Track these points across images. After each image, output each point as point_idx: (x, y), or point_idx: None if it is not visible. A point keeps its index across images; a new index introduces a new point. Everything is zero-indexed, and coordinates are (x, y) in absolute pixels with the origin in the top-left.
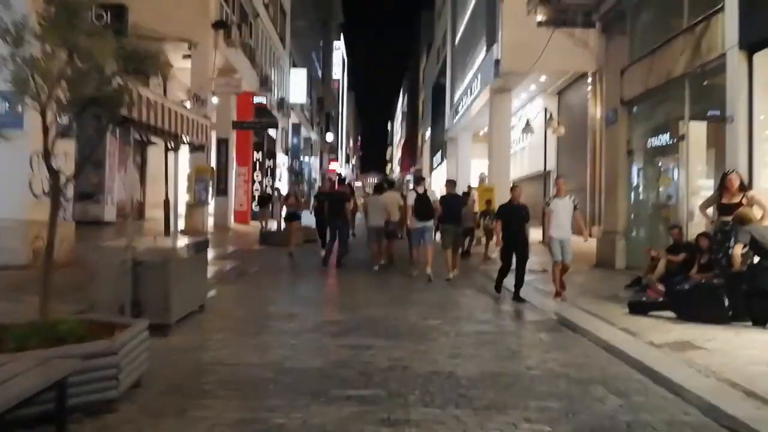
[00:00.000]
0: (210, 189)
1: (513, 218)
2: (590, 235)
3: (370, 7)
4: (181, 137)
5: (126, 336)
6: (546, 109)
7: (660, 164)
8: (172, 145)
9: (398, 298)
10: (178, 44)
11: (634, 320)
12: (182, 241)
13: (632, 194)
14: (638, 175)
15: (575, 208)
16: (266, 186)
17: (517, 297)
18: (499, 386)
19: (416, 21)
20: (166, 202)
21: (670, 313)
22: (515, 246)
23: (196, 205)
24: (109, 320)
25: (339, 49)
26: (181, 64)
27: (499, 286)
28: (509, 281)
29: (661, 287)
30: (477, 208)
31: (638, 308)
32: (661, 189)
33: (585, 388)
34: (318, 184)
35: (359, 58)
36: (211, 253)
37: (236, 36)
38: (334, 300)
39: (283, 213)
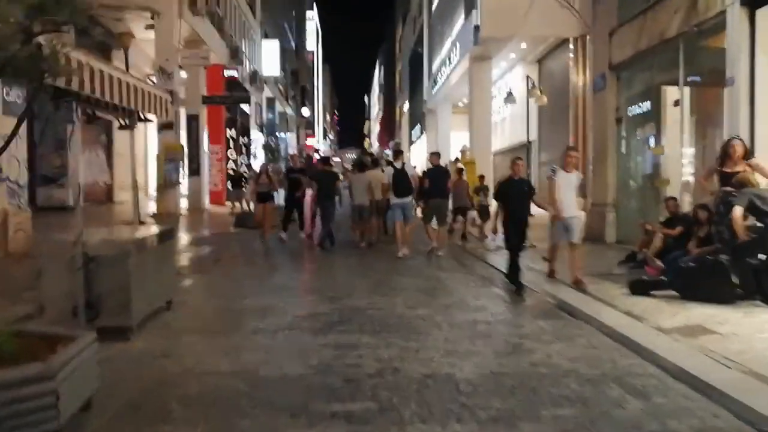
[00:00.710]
0: (181, 169)
1: (515, 195)
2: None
3: None
4: (138, 113)
5: (68, 354)
6: (528, 78)
7: (650, 132)
8: (126, 122)
9: (382, 283)
10: (140, 14)
11: (635, 301)
12: (144, 230)
13: (621, 164)
14: (627, 144)
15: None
16: (240, 164)
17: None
18: (503, 391)
19: None
20: (134, 183)
21: (671, 292)
22: (519, 226)
23: (167, 186)
24: (52, 332)
25: (312, 19)
26: (145, 35)
27: (515, 277)
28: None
29: (659, 263)
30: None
31: (639, 288)
32: (652, 158)
33: (599, 389)
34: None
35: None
36: (182, 239)
37: (202, 4)
38: (314, 288)
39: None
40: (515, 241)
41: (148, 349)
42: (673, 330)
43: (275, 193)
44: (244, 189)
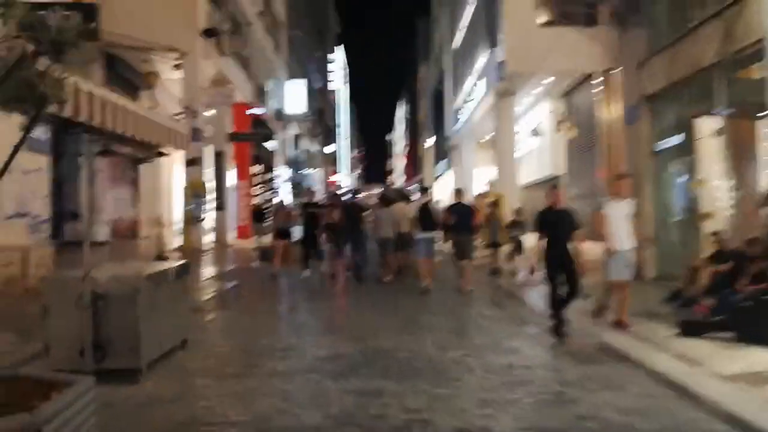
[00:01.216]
0: (205, 204)
1: (556, 225)
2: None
3: (368, 17)
4: (154, 148)
5: (61, 402)
6: (556, 110)
7: (685, 165)
8: (140, 156)
9: (410, 322)
10: (167, 54)
11: (687, 344)
12: (156, 266)
13: (658, 198)
14: (663, 177)
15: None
16: (265, 199)
17: (558, 326)
18: None
19: (413, 29)
20: (158, 219)
21: (726, 334)
22: (562, 263)
23: (191, 221)
24: (50, 376)
25: (335, 61)
26: (172, 75)
27: (559, 325)
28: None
29: (709, 302)
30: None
31: (692, 329)
32: (694, 191)
33: None
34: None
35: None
36: (204, 274)
37: (228, 45)
38: (337, 327)
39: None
40: (560, 287)
41: (156, 393)
42: (735, 377)
43: (291, 230)
44: (263, 224)
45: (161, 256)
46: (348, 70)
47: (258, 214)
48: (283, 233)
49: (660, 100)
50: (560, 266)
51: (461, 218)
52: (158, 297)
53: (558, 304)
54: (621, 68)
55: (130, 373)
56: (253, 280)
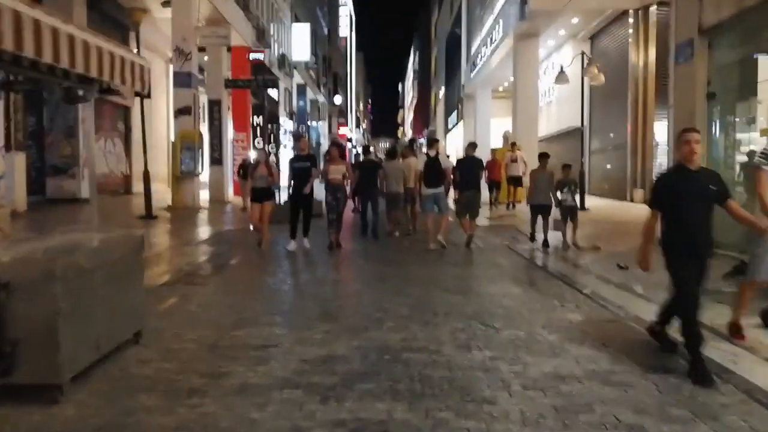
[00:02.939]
0: (200, 158)
1: (691, 197)
2: (632, 200)
3: None
4: (96, 82)
5: None
6: (583, 53)
7: (750, 110)
8: (78, 93)
9: (421, 304)
10: None
11: None
12: (94, 239)
13: (713, 149)
14: (720, 125)
15: None
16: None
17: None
18: None
19: None
20: (145, 174)
21: None
22: (694, 244)
23: (183, 176)
24: None
25: (345, 4)
26: (165, 15)
27: (694, 342)
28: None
29: None
30: (505, 171)
31: None
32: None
33: None
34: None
35: (367, 15)
36: (188, 237)
37: None
38: (332, 313)
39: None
40: (692, 280)
41: (78, 421)
42: None
43: (276, 189)
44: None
45: (153, 215)
46: (355, 16)
47: (244, 168)
48: (261, 194)
49: (721, 34)
50: (692, 248)
51: (467, 173)
52: (93, 282)
53: (691, 311)
54: None
55: (47, 391)
56: (241, 246)
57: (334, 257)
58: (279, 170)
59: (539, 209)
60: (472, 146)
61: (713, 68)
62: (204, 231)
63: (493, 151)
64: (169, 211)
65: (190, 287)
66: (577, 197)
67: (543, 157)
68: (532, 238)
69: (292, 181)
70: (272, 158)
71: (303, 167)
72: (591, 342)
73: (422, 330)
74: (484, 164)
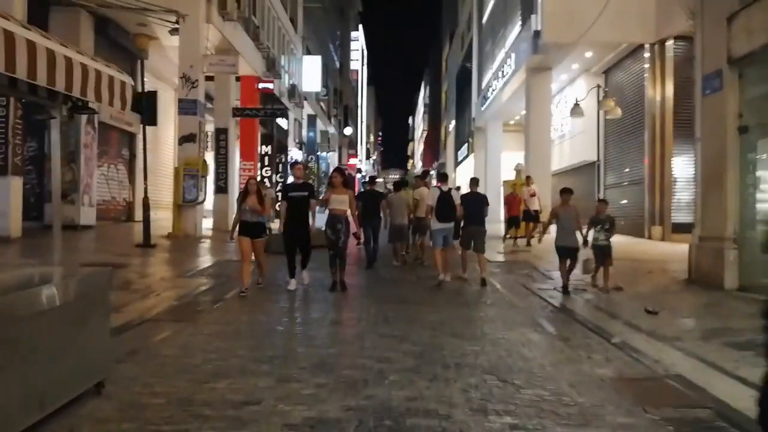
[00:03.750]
0: (203, 186)
1: None
2: (650, 237)
3: None
4: (77, 102)
5: None
6: (599, 86)
7: None
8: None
9: (429, 351)
10: (164, 16)
11: None
12: (51, 275)
13: (745, 186)
14: (753, 160)
15: None
16: (273, 183)
17: None
18: None
19: (437, 9)
20: (145, 201)
21: None
22: None
23: (185, 204)
24: None
25: (357, 39)
26: (171, 43)
27: None
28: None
29: None
30: (524, 206)
31: None
32: None
33: None
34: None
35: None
36: (179, 268)
37: (233, 7)
38: (325, 362)
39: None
40: None
41: None
42: None
43: (268, 223)
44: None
45: (151, 244)
46: (367, 51)
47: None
48: (251, 228)
49: (753, 64)
50: None
51: (472, 209)
52: (34, 328)
53: None
54: (700, 25)
55: None
56: (238, 279)
57: (335, 295)
58: (276, 201)
59: (566, 252)
60: (475, 182)
61: (745, 100)
62: (202, 261)
63: (512, 184)
64: (169, 239)
65: (176, 324)
66: (612, 237)
67: (566, 192)
68: (566, 291)
69: (287, 213)
70: (269, 190)
71: (299, 197)
72: (628, 406)
73: (430, 386)
74: (504, 199)
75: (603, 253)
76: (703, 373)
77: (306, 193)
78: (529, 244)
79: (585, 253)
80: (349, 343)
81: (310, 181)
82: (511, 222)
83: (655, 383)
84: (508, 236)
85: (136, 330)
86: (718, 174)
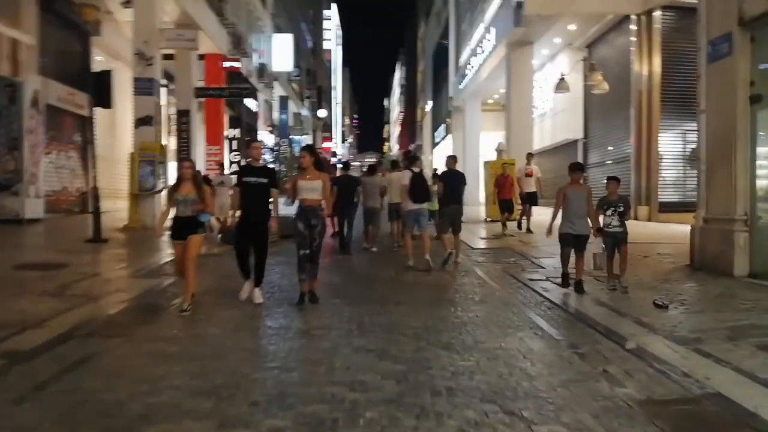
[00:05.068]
0: (162, 173)
1: None
2: (636, 218)
3: None
4: None
5: None
6: (585, 59)
7: None
8: None
9: (415, 369)
10: None
11: None
12: None
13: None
14: (764, 133)
15: None
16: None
17: None
18: None
19: None
20: (94, 190)
21: None
22: None
23: (142, 193)
24: None
25: (330, 19)
26: (128, 18)
27: None
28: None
29: None
30: (519, 188)
31: None
32: None
33: None
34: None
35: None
36: (136, 265)
37: None
38: (287, 392)
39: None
40: None
41: None
42: None
43: (207, 221)
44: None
45: (103, 239)
46: (341, 31)
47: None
48: (183, 227)
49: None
50: None
51: (450, 187)
52: None
53: None
54: None
55: None
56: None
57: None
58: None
59: (573, 240)
60: (453, 159)
61: (757, 66)
62: (158, 257)
63: (501, 164)
64: (124, 232)
65: (107, 342)
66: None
67: (575, 169)
68: (565, 282)
69: (242, 203)
70: (225, 177)
71: (256, 184)
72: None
73: (418, 427)
74: (495, 180)
75: (616, 241)
76: (746, 390)
77: (265, 180)
78: (526, 228)
79: (594, 244)
80: (315, 363)
81: (278, 167)
82: (504, 206)
83: (695, 408)
84: (499, 221)
85: (53, 353)
86: (726, 148)
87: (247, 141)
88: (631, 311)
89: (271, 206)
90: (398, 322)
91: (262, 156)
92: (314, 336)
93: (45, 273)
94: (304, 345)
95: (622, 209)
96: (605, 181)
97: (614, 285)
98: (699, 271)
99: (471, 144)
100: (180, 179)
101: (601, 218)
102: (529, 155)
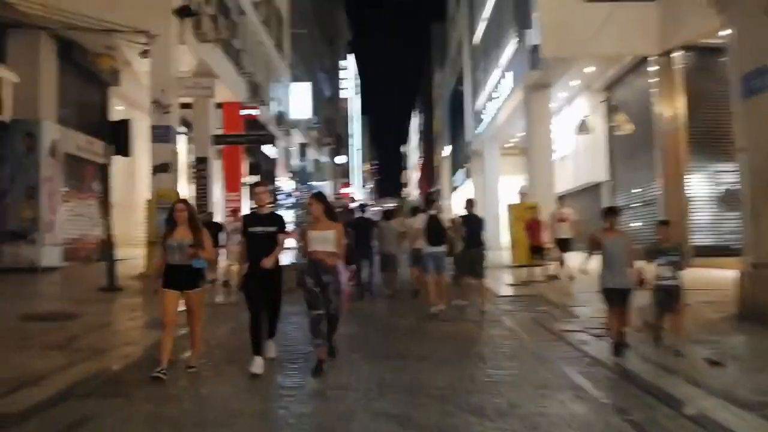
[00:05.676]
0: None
1: None
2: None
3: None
4: None
5: None
6: (608, 98)
7: None
8: None
9: None
10: (133, 38)
11: None
12: None
13: None
14: None
15: None
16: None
17: None
18: None
19: (427, 35)
20: (108, 238)
21: None
22: None
23: (159, 240)
24: None
25: (347, 68)
26: (145, 68)
27: None
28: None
29: None
30: (549, 235)
31: None
32: None
33: None
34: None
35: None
36: (150, 315)
37: (209, 28)
38: None
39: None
40: None
41: None
42: None
43: (203, 265)
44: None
45: (118, 287)
46: (359, 80)
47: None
48: (178, 273)
49: None
50: None
51: (472, 230)
52: None
53: None
54: (734, 19)
55: None
56: (209, 330)
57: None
58: (228, 238)
59: (614, 296)
60: (471, 203)
61: None
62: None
63: (528, 207)
64: (140, 280)
65: (105, 402)
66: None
67: (611, 213)
68: (618, 351)
69: (248, 255)
70: (237, 223)
71: (263, 235)
72: None
73: None
74: (525, 225)
75: (669, 297)
76: None
77: (273, 229)
78: (553, 277)
79: (641, 297)
80: (329, 431)
81: (298, 213)
82: (534, 252)
83: None
84: (526, 266)
85: (45, 416)
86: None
87: (250, 186)
88: (681, 369)
89: (281, 255)
90: (422, 381)
91: (268, 201)
92: (330, 397)
93: (52, 324)
94: (318, 409)
95: (676, 258)
96: (632, 224)
97: (659, 336)
98: (749, 322)
99: (491, 188)
100: (174, 223)
101: (651, 268)
102: (560, 198)
